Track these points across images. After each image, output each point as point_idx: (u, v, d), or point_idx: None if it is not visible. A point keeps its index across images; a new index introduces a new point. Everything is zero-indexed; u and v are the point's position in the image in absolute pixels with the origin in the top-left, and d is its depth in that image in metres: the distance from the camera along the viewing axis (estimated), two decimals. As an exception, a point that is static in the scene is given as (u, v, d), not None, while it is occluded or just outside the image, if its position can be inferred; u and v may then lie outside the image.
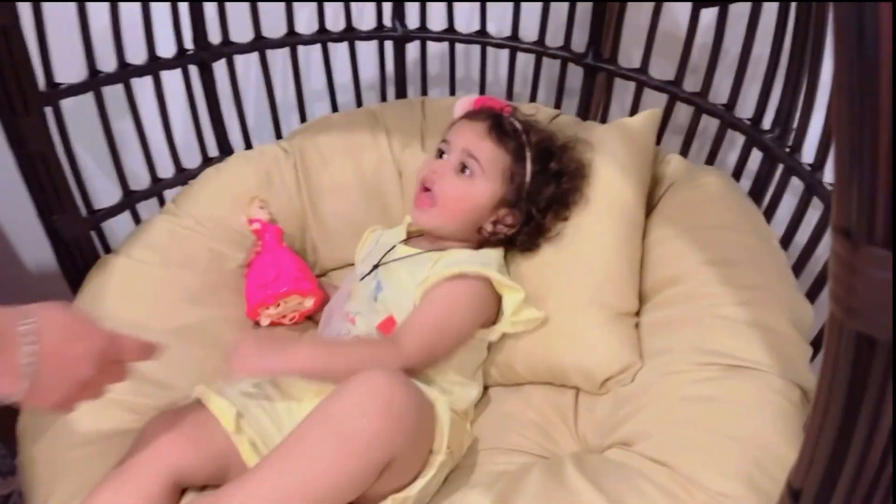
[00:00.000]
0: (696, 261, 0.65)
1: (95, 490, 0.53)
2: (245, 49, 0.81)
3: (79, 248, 0.71)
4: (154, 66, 0.75)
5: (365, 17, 0.87)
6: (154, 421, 0.58)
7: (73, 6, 0.66)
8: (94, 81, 0.70)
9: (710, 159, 0.79)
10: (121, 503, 0.52)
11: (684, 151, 0.80)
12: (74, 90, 0.68)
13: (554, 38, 0.85)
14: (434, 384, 0.63)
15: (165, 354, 0.57)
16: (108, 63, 0.71)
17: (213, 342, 0.69)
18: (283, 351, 0.59)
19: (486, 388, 0.70)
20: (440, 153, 0.69)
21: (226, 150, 0.86)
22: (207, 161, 0.84)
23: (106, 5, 0.68)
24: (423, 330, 0.62)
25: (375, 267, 0.70)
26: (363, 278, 0.70)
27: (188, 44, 0.77)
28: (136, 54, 0.73)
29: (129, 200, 0.77)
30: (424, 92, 0.94)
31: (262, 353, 0.57)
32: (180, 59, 0.77)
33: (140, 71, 0.73)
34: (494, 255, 0.69)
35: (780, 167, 0.71)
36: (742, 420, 0.50)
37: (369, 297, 0.68)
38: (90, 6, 0.67)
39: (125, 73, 0.72)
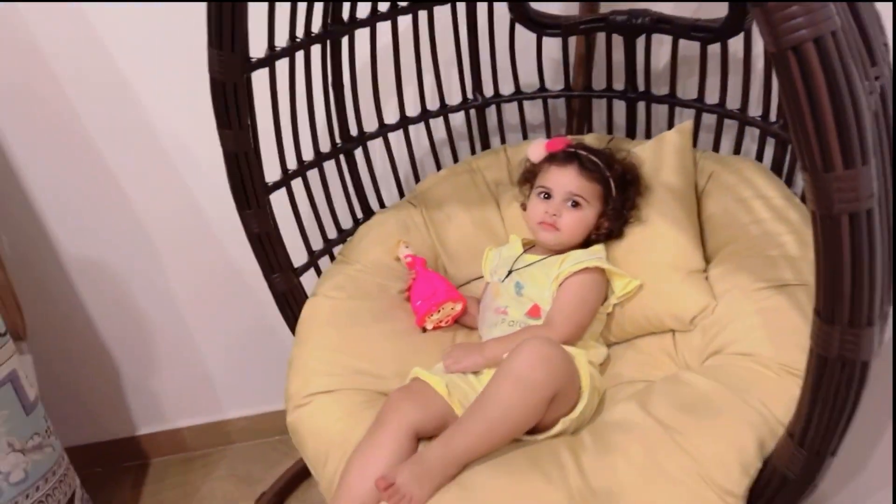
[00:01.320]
0: (741, 223, 0.89)
1: (361, 442, 0.79)
2: (374, 135, 1.10)
3: (292, 295, 0.99)
4: (317, 160, 1.03)
5: (453, 94, 1.15)
6: (391, 396, 0.83)
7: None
8: (286, 178, 0.98)
9: (737, 150, 1.03)
10: (380, 446, 0.76)
11: (716, 148, 1.05)
12: (279, 186, 0.97)
13: (598, 83, 1.12)
14: (576, 347, 0.88)
15: (371, 356, 0.85)
16: (290, 162, 1.00)
17: (399, 342, 0.95)
18: (479, 351, 0.86)
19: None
20: (543, 195, 0.94)
21: (368, 212, 1.13)
22: (357, 222, 1.12)
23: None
24: (566, 311, 0.88)
25: (509, 273, 0.96)
26: (503, 281, 0.96)
27: (337, 137, 1.06)
28: (307, 152, 1.02)
29: (313, 259, 1.06)
30: (503, 141, 1.21)
31: (467, 354, 0.85)
32: (333, 152, 1.06)
33: (310, 165, 1.02)
34: (599, 248, 0.94)
35: (790, 147, 0.95)
36: (795, 317, 0.73)
37: (513, 293, 0.93)
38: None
39: (302, 168, 1.01)
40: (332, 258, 1.08)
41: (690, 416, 0.68)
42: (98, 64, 1.07)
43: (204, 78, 0.79)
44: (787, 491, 0.61)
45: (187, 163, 1.16)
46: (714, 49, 0.98)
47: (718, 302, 0.85)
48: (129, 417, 1.43)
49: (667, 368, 0.86)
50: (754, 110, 0.98)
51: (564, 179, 0.93)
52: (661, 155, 0.97)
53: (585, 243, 0.96)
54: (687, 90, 1.05)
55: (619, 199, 0.93)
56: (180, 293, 1.30)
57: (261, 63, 0.84)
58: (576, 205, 0.92)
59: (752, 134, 1.01)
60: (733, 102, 1.00)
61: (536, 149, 0.99)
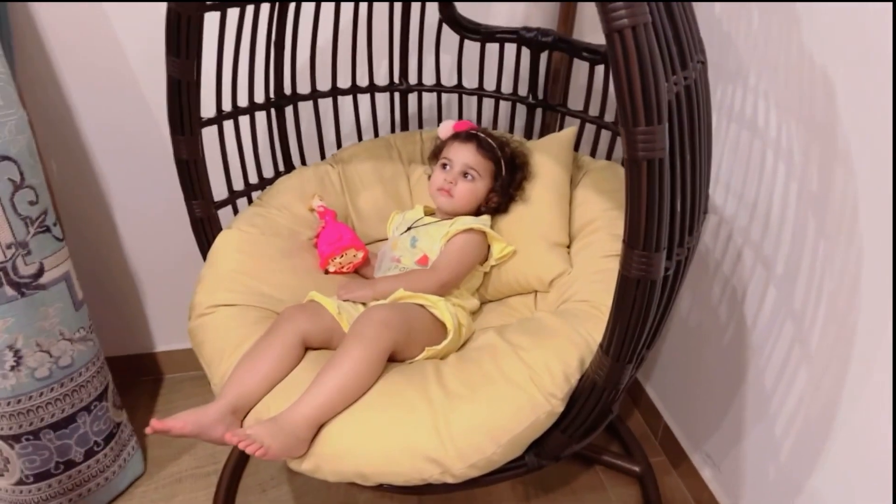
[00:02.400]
0: (600, 209, 1.08)
1: (255, 343, 0.89)
2: (306, 97, 1.22)
3: (209, 223, 1.08)
4: (250, 108, 1.15)
5: (381, 76, 1.30)
6: (286, 310, 0.94)
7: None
8: (219, 117, 1.09)
9: (609, 155, 1.23)
10: (270, 346, 0.86)
11: (593, 152, 1.25)
12: (211, 122, 1.07)
13: (506, 87, 1.30)
14: (450, 297, 1.03)
15: (274, 284, 0.96)
16: (225, 104, 1.10)
17: (301, 277, 1.07)
18: (370, 285, 0.99)
19: (482, 304, 1.11)
20: (444, 166, 1.11)
21: (290, 166, 1.25)
22: (278, 173, 1.23)
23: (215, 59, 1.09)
24: (450, 261, 1.03)
25: (409, 229, 1.11)
26: (401, 235, 1.10)
27: (272, 92, 1.18)
28: (241, 101, 1.13)
29: (232, 196, 1.16)
30: (420, 126, 1.36)
31: (360, 287, 0.98)
32: (266, 104, 1.17)
33: (243, 111, 1.13)
34: (485, 218, 1.11)
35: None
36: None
37: (408, 245, 1.08)
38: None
39: (236, 112, 1.12)
40: (251, 202, 1.19)
41: (532, 338, 0.84)
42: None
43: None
44: (596, 393, 0.77)
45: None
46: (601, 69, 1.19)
47: (574, 267, 1.03)
48: (149, 336, 1.55)
49: (526, 314, 1.03)
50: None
51: (463, 154, 1.09)
52: (547, 150, 1.15)
53: (476, 213, 1.12)
54: (575, 102, 1.24)
55: (507, 179, 1.10)
56: None
57: (215, 6, 0.95)
58: (470, 177, 1.09)
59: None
60: (612, 116, 1.20)
61: (445, 127, 1.16)
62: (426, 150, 1.31)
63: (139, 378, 1.58)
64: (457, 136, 1.13)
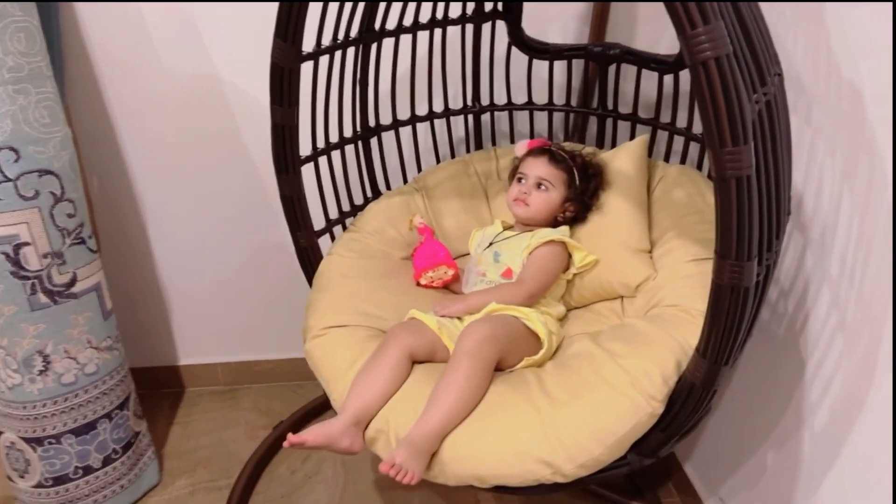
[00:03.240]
0: (680, 214, 1.11)
1: (366, 362, 0.98)
2: (388, 128, 1.31)
3: (312, 251, 1.19)
4: (340, 143, 1.24)
5: (455, 100, 1.38)
6: (392, 329, 1.03)
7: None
8: (314, 154, 1.19)
9: (683, 160, 1.26)
10: (382, 363, 0.94)
11: (666, 158, 1.29)
12: (309, 160, 1.17)
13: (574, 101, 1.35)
14: (539, 306, 1.09)
15: (376, 303, 1.05)
16: (319, 142, 1.20)
17: (399, 294, 1.15)
18: (463, 300, 1.07)
19: (568, 310, 1.17)
20: (520, 179, 1.17)
21: (377, 193, 1.34)
22: (367, 200, 1.32)
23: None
24: (533, 272, 1.09)
25: (490, 244, 1.18)
26: (484, 251, 1.17)
27: (358, 125, 1.27)
28: (333, 137, 1.22)
29: (329, 225, 1.25)
30: (494, 143, 1.43)
31: (453, 302, 1.06)
32: (354, 138, 1.26)
33: (335, 146, 1.23)
34: (565, 228, 1.16)
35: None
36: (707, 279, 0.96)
37: (491, 260, 1.14)
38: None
39: (328, 148, 1.21)
40: (345, 228, 1.28)
41: (628, 345, 0.89)
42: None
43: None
44: (693, 396, 0.82)
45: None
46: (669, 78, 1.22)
47: (658, 272, 1.07)
48: (173, 349, 1.66)
49: (616, 321, 1.08)
50: (698, 129, 1.22)
51: (536, 167, 1.16)
52: (622, 159, 1.20)
53: (554, 225, 1.18)
54: (647, 110, 1.29)
55: (581, 187, 1.15)
56: (234, 254, 1.56)
57: (310, 56, 1.05)
58: (544, 187, 1.15)
59: (695, 148, 1.25)
60: (683, 122, 1.24)
61: (521, 146, 1.23)
62: (502, 166, 1.38)
63: (160, 390, 1.68)
64: (530, 152, 1.20)
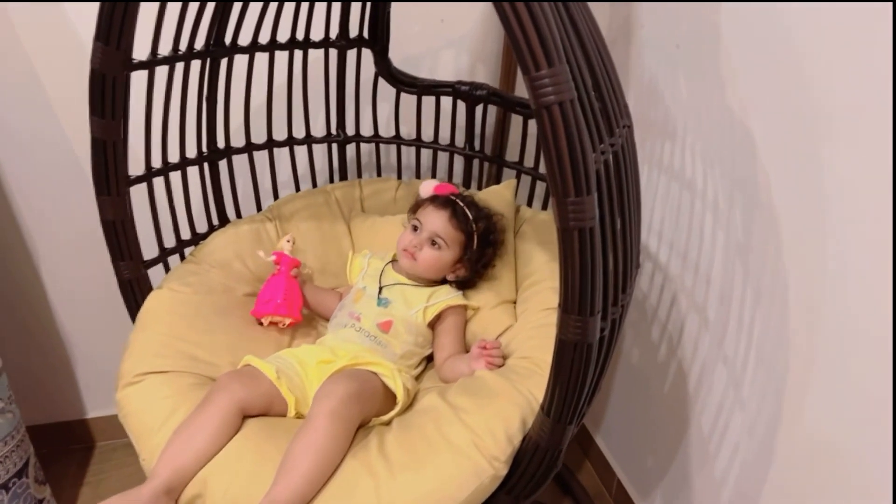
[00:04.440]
0: (541, 261, 1.09)
1: (188, 416, 0.85)
2: (240, 150, 1.20)
3: (138, 284, 1.04)
4: (182, 164, 1.12)
5: (318, 127, 1.29)
6: (222, 377, 0.90)
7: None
8: (148, 175, 1.05)
9: (545, 205, 1.26)
10: (206, 420, 0.83)
11: (529, 202, 1.27)
12: (140, 180, 1.03)
13: (443, 140, 1.31)
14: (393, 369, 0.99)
15: (208, 346, 0.93)
16: (155, 161, 1.07)
17: (237, 336, 1.03)
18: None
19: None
20: (414, 228, 1.08)
21: (224, 220, 1.22)
22: (212, 228, 1.20)
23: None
24: (459, 344, 1.04)
25: (381, 288, 1.07)
26: (366, 289, 1.08)
27: (204, 146, 1.15)
28: (173, 155, 1.10)
29: (163, 254, 1.11)
30: (360, 175, 1.36)
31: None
32: (199, 159, 1.14)
33: (174, 167, 1.10)
34: (458, 293, 1.09)
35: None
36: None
37: (374, 304, 1.05)
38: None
39: (166, 168, 1.08)
40: (183, 258, 1.15)
41: (473, 399, 0.83)
42: None
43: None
44: (539, 454, 0.77)
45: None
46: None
47: (516, 322, 1.03)
48: (79, 401, 1.47)
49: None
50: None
51: (434, 220, 1.07)
52: (491, 203, 1.17)
53: (441, 282, 1.11)
54: (511, 153, 1.27)
55: (476, 254, 1.08)
56: None
57: (142, 65, 0.93)
58: (437, 245, 1.07)
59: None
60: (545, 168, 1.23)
61: (427, 187, 1.14)
62: (366, 198, 1.31)
63: (68, 446, 1.49)
64: (434, 200, 1.10)
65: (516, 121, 1.23)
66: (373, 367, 0.92)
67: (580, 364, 0.70)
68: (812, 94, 0.81)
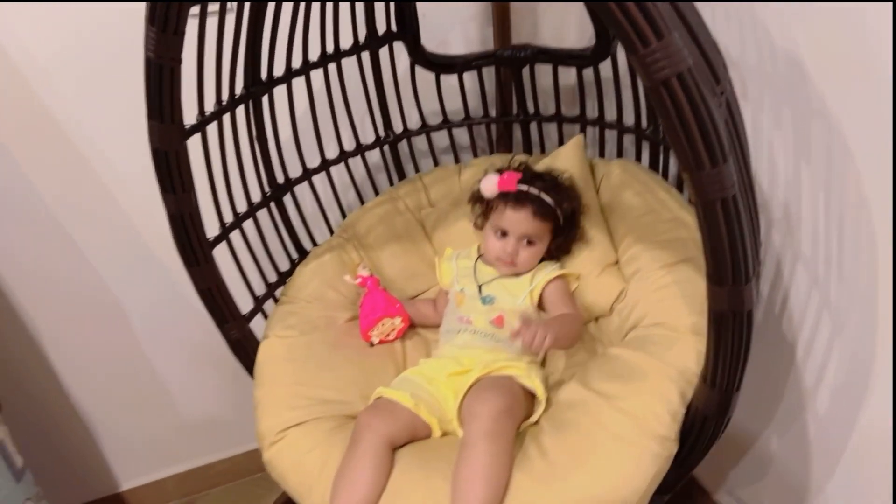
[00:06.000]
0: (635, 216, 1.05)
1: (341, 465, 0.85)
2: (300, 180, 1.17)
3: (247, 341, 1.04)
4: (251, 211, 1.09)
5: (366, 133, 1.25)
6: (361, 417, 0.90)
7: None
8: (225, 232, 1.03)
9: (619, 155, 1.20)
10: (360, 465, 0.82)
11: (601, 154, 1.22)
12: (219, 240, 1.02)
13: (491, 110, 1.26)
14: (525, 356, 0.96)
15: (333, 384, 0.92)
16: (226, 216, 1.05)
17: (358, 366, 1.02)
18: (548, 328, 0.85)
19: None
20: (503, 234, 1.03)
21: (302, 252, 1.20)
22: (293, 263, 1.18)
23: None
24: (569, 304, 1.01)
25: (480, 287, 1.05)
26: (466, 290, 1.05)
27: (266, 186, 1.13)
28: (240, 204, 1.07)
29: (258, 304, 1.11)
30: (417, 169, 1.32)
31: (538, 330, 0.84)
32: (265, 201, 1.12)
33: (245, 216, 1.07)
34: (557, 264, 1.07)
35: (661, 147, 1.12)
36: (687, 287, 0.89)
37: (479, 304, 1.03)
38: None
39: (238, 220, 1.06)
40: (276, 300, 1.14)
41: (623, 383, 0.81)
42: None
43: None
44: (707, 426, 0.75)
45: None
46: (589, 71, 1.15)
47: (628, 285, 1.00)
48: (112, 474, 1.46)
49: (597, 348, 1.00)
50: (628, 120, 1.15)
51: (520, 222, 1.02)
52: (563, 165, 1.12)
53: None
54: (570, 108, 1.21)
55: (567, 228, 1.05)
56: (155, 357, 1.38)
57: (195, 129, 0.90)
58: (530, 243, 1.03)
59: (629, 139, 1.19)
60: (610, 115, 1.17)
61: (489, 185, 1.05)
62: (431, 193, 1.27)
63: None
64: (506, 199, 1.03)
65: (566, 75, 1.16)
66: (506, 370, 0.90)
67: (741, 333, 0.67)
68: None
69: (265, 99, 1.05)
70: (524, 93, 1.21)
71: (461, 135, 1.31)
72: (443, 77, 1.22)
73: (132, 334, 1.34)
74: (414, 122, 1.27)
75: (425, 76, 1.22)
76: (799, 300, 0.95)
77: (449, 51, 1.24)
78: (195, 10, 0.81)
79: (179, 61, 0.77)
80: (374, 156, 1.28)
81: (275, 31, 0.98)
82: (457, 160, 1.32)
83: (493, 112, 1.25)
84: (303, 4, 0.99)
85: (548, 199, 1.02)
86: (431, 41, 1.21)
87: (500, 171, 1.05)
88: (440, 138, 1.32)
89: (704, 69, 0.65)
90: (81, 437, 1.40)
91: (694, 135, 0.57)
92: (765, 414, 1.08)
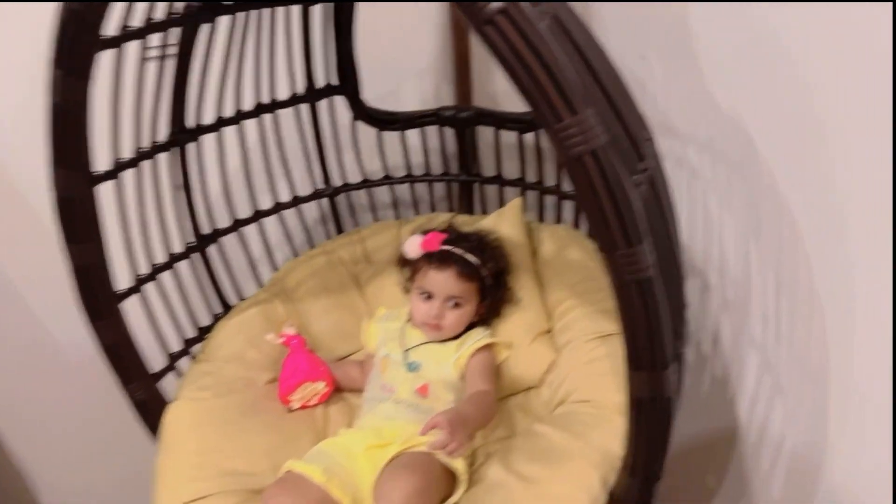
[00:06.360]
0: (569, 283, 1.02)
1: (242, 545, 0.78)
2: (228, 230, 1.12)
3: (153, 402, 0.96)
4: (170, 262, 1.03)
5: (304, 185, 1.21)
6: (266, 493, 0.83)
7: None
8: (138, 284, 0.97)
9: (557, 219, 1.18)
10: None
11: (540, 219, 1.20)
12: (131, 293, 0.95)
13: (436, 170, 1.24)
14: None
15: (243, 454, 0.85)
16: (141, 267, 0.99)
17: (273, 434, 0.95)
18: (461, 426, 0.80)
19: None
20: (428, 296, 0.98)
21: (227, 307, 1.14)
22: (216, 318, 1.12)
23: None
24: (488, 379, 0.94)
25: (405, 351, 0.99)
26: (391, 355, 0.99)
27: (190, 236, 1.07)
28: (159, 254, 1.02)
29: (172, 361, 1.04)
30: (356, 223, 1.28)
31: (452, 432, 0.78)
32: (187, 252, 1.06)
33: (162, 268, 1.02)
34: (487, 331, 1.01)
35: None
36: (618, 362, 0.86)
37: (405, 371, 0.97)
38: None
39: (154, 272, 1.00)
40: (193, 358, 1.07)
41: (545, 466, 0.77)
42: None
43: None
44: (628, 514, 0.71)
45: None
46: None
47: (559, 355, 0.97)
48: None
49: (524, 422, 0.95)
50: (568, 185, 1.14)
51: (443, 283, 0.97)
52: (502, 227, 1.09)
53: (469, 326, 1.02)
54: (511, 171, 1.19)
55: (494, 289, 1.01)
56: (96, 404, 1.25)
57: (107, 175, 0.85)
58: (456, 305, 0.98)
59: (569, 205, 1.17)
60: (552, 180, 1.16)
61: (413, 246, 1.01)
62: (369, 247, 1.23)
63: None
64: (430, 260, 0.99)
65: (508, 137, 1.15)
66: (426, 446, 0.85)
67: (663, 419, 0.64)
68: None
69: (193, 147, 1.01)
70: (466, 153, 1.19)
71: (404, 191, 1.28)
72: (385, 132, 1.20)
73: (71, 385, 1.24)
74: (354, 176, 1.24)
75: (370, 131, 1.20)
76: (749, 381, 0.94)
77: (408, 106, 1.23)
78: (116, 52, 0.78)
79: (85, 106, 0.73)
80: (312, 209, 1.24)
81: (203, 78, 0.94)
82: (398, 216, 1.29)
83: (433, 171, 1.23)
84: (235, 52, 0.97)
85: (471, 258, 0.99)
86: (389, 95, 1.20)
87: (425, 231, 1.02)
88: (383, 194, 1.29)
89: (626, 144, 0.63)
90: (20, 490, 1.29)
91: (607, 213, 0.55)
92: (713, 498, 1.05)
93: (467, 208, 1.25)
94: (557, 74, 0.52)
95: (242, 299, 1.16)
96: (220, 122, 1.02)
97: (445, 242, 0.99)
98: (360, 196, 1.28)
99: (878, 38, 0.62)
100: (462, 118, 1.14)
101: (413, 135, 1.20)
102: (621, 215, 0.55)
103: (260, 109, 1.06)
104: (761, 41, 0.79)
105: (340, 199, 1.24)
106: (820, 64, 0.71)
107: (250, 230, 1.15)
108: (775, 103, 0.79)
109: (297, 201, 1.19)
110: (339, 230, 1.26)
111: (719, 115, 0.88)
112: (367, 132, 1.20)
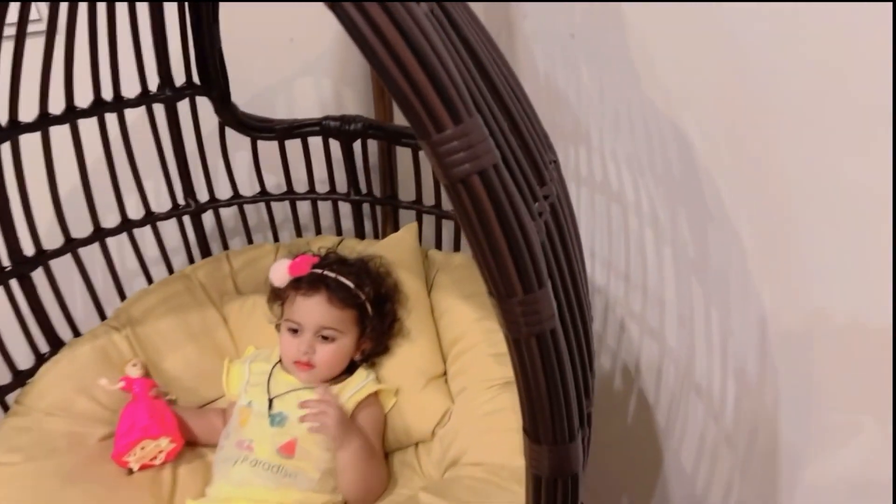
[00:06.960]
0: (468, 320, 0.90)
1: None
2: (59, 253, 0.92)
3: (-62, 473, 0.75)
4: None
5: (161, 200, 1.03)
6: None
7: None
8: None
9: (456, 247, 1.07)
10: None
11: (438, 245, 1.08)
12: None
13: (321, 186, 1.09)
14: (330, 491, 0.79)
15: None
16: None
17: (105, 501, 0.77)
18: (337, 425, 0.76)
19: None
20: (293, 330, 0.84)
21: (58, 344, 0.94)
22: (42, 359, 0.92)
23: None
24: (375, 440, 0.82)
25: (270, 401, 0.83)
26: (253, 405, 0.83)
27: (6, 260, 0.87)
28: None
29: (-26, 415, 0.83)
30: (225, 246, 1.11)
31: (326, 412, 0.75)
32: (2, 278, 0.86)
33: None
34: (371, 375, 0.87)
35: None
36: (517, 416, 0.75)
37: (268, 425, 0.81)
38: None
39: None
40: (7, 409, 0.87)
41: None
42: None
43: None
44: None
45: None
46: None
47: (454, 403, 0.84)
48: None
49: (411, 483, 0.82)
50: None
51: (312, 312, 0.83)
52: (394, 256, 0.96)
53: (351, 367, 0.88)
54: (407, 192, 1.07)
55: (377, 318, 0.87)
56: None
57: None
58: (328, 338, 0.83)
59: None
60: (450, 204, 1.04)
61: (279, 272, 0.86)
62: (238, 273, 1.06)
63: None
64: (298, 286, 0.85)
65: (404, 153, 1.03)
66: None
67: (565, 497, 0.52)
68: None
69: (6, 148, 0.81)
70: (355, 169, 1.06)
71: (283, 209, 1.12)
72: (261, 143, 1.04)
73: None
74: (224, 191, 1.07)
75: (241, 138, 1.04)
76: (695, 432, 0.86)
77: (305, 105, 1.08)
78: None
79: None
80: (172, 229, 1.06)
81: (17, 67, 0.76)
82: (276, 239, 1.13)
83: (319, 188, 1.09)
84: (60, 40, 0.78)
85: (346, 281, 0.84)
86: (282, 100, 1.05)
87: (296, 255, 0.87)
88: (257, 211, 1.13)
89: (524, 164, 0.52)
90: None
91: (503, 254, 0.43)
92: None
93: (358, 232, 1.11)
94: (439, 76, 0.40)
95: (78, 335, 0.96)
96: (45, 121, 0.83)
97: (317, 266, 0.85)
98: (233, 215, 1.11)
99: (845, 44, 0.55)
100: (348, 131, 1.00)
101: (295, 147, 1.05)
102: (517, 254, 0.43)
103: (100, 106, 0.88)
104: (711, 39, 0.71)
105: (207, 217, 1.07)
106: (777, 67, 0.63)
107: (90, 252, 0.96)
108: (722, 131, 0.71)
109: (151, 218, 1.00)
110: (205, 254, 1.08)
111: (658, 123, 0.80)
112: (241, 143, 1.04)
